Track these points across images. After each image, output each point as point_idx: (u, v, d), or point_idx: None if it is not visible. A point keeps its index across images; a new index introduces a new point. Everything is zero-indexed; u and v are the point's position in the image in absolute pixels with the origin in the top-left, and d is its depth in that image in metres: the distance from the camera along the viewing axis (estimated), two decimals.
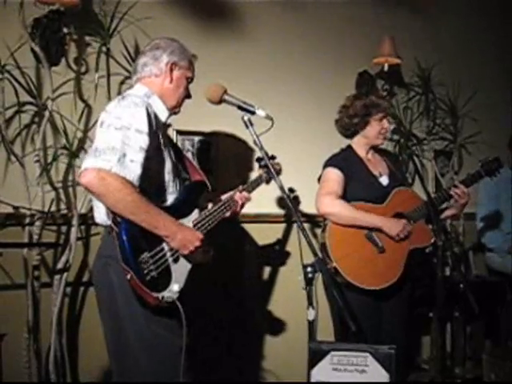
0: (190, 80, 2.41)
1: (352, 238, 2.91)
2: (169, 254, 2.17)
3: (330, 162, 3.04)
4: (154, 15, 3.15)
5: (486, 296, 3.69)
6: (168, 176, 2.28)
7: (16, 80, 2.86)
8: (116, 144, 2.07)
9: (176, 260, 2.19)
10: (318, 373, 2.12)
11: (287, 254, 3.64)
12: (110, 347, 2.25)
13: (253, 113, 2.26)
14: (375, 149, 3.13)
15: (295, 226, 2.53)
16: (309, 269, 2.15)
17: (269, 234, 3.67)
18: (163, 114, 2.32)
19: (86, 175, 2.04)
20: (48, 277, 2.97)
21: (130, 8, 3.07)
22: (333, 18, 4.03)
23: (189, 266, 2.23)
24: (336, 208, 2.90)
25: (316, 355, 2.11)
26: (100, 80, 3.07)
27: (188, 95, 2.42)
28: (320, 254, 2.23)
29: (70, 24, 2.98)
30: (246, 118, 2.24)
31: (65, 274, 2.95)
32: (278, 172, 2.80)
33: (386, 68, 4.07)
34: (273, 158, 2.69)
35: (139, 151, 2.10)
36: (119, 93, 3.07)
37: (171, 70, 2.33)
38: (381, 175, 3.05)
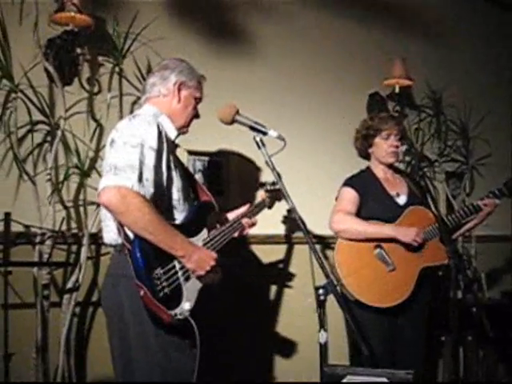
0: (198, 100, 2.42)
1: (361, 255, 2.91)
2: (180, 272, 2.16)
3: (347, 182, 3.07)
4: (166, 36, 3.17)
5: (499, 319, 3.65)
6: (177, 194, 2.27)
7: (29, 99, 2.88)
8: (134, 162, 2.07)
9: (187, 278, 2.17)
10: None
11: (293, 276, 3.62)
12: (117, 368, 2.22)
13: (265, 133, 2.25)
14: (395, 169, 3.12)
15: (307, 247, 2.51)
16: (320, 291, 2.13)
17: (279, 256, 3.65)
18: (172, 134, 2.33)
19: (106, 193, 2.04)
20: (57, 296, 2.95)
21: (143, 29, 3.09)
22: (344, 40, 4.05)
23: (199, 284, 2.21)
24: (346, 224, 2.94)
25: (331, 379, 2.07)
26: (112, 100, 3.08)
27: (196, 115, 2.43)
28: (332, 276, 2.21)
29: (83, 44, 3.00)
30: (258, 138, 2.24)
31: (74, 294, 2.93)
32: (279, 198, 2.82)
33: (397, 89, 4.07)
34: (273, 183, 2.71)
35: (152, 169, 2.12)
36: (131, 113, 3.08)
37: (179, 90, 2.34)
38: (398, 195, 3.04)
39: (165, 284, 2.08)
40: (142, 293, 2.03)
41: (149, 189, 2.11)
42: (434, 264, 2.94)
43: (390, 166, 3.09)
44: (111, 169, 2.08)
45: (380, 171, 3.09)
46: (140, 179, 2.07)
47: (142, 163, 2.09)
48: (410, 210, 2.98)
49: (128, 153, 2.09)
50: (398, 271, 2.89)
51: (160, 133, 2.18)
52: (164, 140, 2.21)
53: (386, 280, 2.87)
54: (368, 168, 3.13)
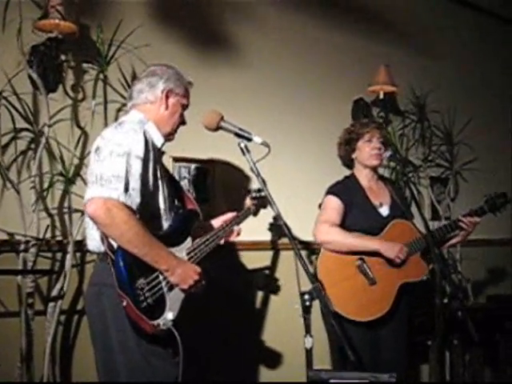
0: (185, 107, 2.41)
1: (343, 268, 2.90)
2: (163, 282, 2.15)
3: (331, 190, 3.05)
4: (150, 43, 3.16)
5: (484, 323, 3.67)
6: (163, 203, 2.27)
7: (13, 106, 2.86)
8: (120, 172, 2.06)
9: (170, 288, 2.17)
10: None
11: (279, 282, 3.63)
12: (101, 376, 2.22)
13: (249, 139, 2.26)
14: (379, 177, 3.13)
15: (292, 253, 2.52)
16: (306, 296, 2.13)
17: (264, 262, 3.65)
18: (159, 141, 2.32)
19: (93, 205, 2.03)
20: (42, 304, 2.93)
21: (128, 36, 3.09)
22: (328, 46, 4.08)
23: (182, 294, 2.21)
24: (332, 236, 2.91)
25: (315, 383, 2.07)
26: (97, 107, 3.07)
27: (183, 122, 2.42)
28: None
29: (67, 51, 2.99)
30: (242, 144, 2.24)
31: (59, 302, 2.91)
32: (264, 205, 2.82)
33: (381, 96, 4.10)
34: (259, 190, 2.71)
35: (138, 178, 2.11)
36: (116, 120, 3.07)
37: (167, 98, 2.33)
38: (381, 205, 3.04)
39: (148, 294, 2.07)
40: (124, 303, 2.02)
41: (135, 199, 2.09)
42: (414, 280, 2.94)
43: (375, 172, 3.10)
44: (97, 180, 2.06)
45: (364, 178, 3.08)
46: (126, 189, 2.06)
47: (128, 173, 2.07)
48: (393, 224, 2.97)
49: (114, 162, 2.08)
50: (378, 286, 2.89)
51: (146, 141, 2.17)
52: (150, 148, 2.20)
53: (366, 294, 2.87)
54: (352, 175, 3.12)
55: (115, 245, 2.08)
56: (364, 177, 3.08)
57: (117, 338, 2.12)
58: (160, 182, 2.26)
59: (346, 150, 3.10)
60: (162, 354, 2.14)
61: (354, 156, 3.09)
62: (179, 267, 2.16)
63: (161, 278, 2.14)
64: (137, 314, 2.02)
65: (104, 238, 2.09)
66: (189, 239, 2.33)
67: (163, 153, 2.41)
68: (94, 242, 2.19)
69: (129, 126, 2.20)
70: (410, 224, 2.98)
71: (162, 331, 2.07)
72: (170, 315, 2.10)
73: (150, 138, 2.24)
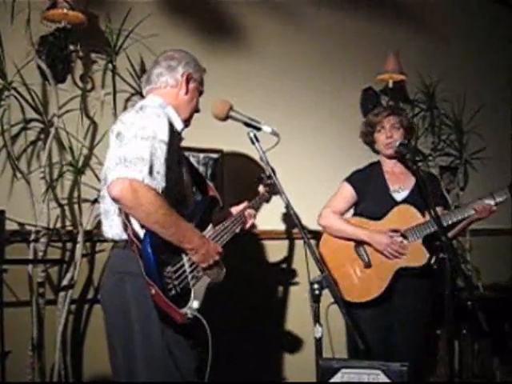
0: (201, 93, 2.39)
1: (341, 251, 2.97)
2: (188, 269, 2.11)
3: (348, 177, 3.11)
4: (159, 33, 3.16)
5: (493, 313, 3.66)
6: (185, 189, 2.23)
7: (22, 97, 2.88)
8: (145, 154, 1.99)
9: (195, 277, 2.13)
10: None
11: (294, 272, 3.63)
12: (118, 364, 2.15)
13: (259, 129, 2.24)
14: (406, 166, 3.08)
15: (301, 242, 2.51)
16: (315, 285, 2.13)
17: (275, 251, 3.66)
18: (179, 126, 2.26)
19: (118, 185, 1.93)
20: (53, 294, 2.95)
21: (136, 25, 3.08)
22: (337, 36, 4.06)
23: (206, 282, 2.17)
24: (329, 220, 3.02)
25: (326, 372, 2.07)
26: (106, 97, 3.07)
27: (197, 109, 2.39)
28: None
29: (76, 41, 2.99)
30: (251, 134, 2.23)
31: (70, 291, 2.93)
32: (277, 191, 2.80)
33: (390, 84, 4.07)
34: (269, 177, 2.68)
35: (163, 163, 2.05)
36: (125, 109, 3.08)
37: (187, 82, 2.29)
38: (401, 189, 3.02)
39: (176, 282, 2.02)
40: (153, 291, 1.95)
41: (160, 182, 2.02)
42: (410, 266, 2.88)
43: (401, 162, 3.06)
44: (121, 161, 1.98)
45: (388, 164, 3.08)
46: (151, 172, 1.99)
47: (153, 156, 2.00)
48: (398, 209, 2.95)
49: (138, 145, 2.00)
50: (372, 269, 2.91)
51: (170, 125, 2.12)
52: (172, 133, 2.14)
53: (361, 276, 2.92)
54: (378, 161, 3.12)
55: (141, 232, 2.01)
56: (388, 163, 3.09)
57: (139, 329, 2.06)
58: (182, 167, 2.22)
59: (368, 144, 3.14)
60: (183, 345, 2.10)
61: (376, 147, 3.11)
62: (203, 246, 2.12)
63: (186, 265, 2.10)
64: (166, 303, 1.96)
65: (128, 224, 2.03)
66: (210, 226, 2.29)
67: (181, 138, 2.37)
68: (115, 230, 2.14)
69: (150, 110, 2.13)
70: (414, 210, 2.93)
71: (189, 320, 2.02)
72: (195, 304, 2.05)
73: (171, 123, 2.18)
